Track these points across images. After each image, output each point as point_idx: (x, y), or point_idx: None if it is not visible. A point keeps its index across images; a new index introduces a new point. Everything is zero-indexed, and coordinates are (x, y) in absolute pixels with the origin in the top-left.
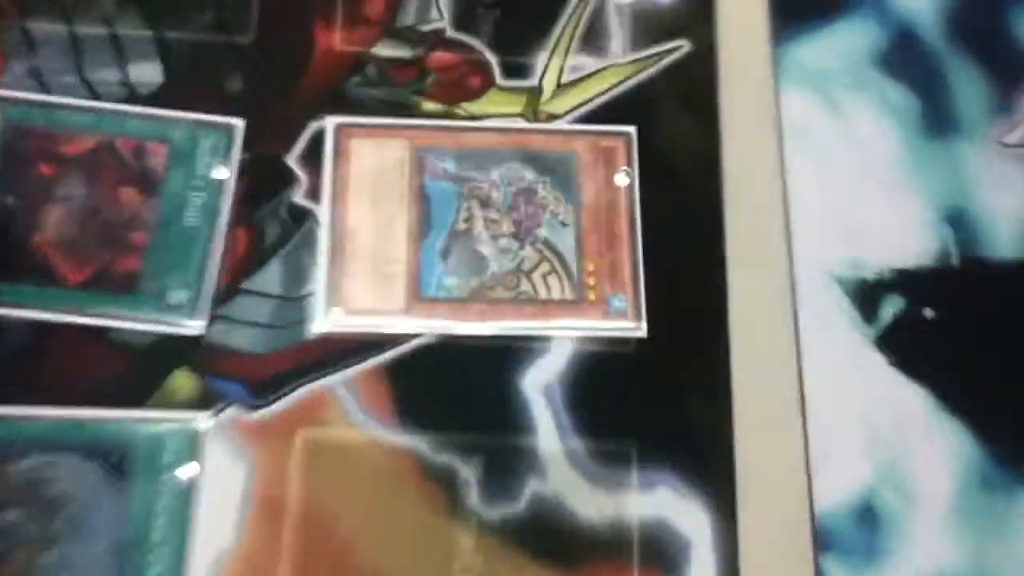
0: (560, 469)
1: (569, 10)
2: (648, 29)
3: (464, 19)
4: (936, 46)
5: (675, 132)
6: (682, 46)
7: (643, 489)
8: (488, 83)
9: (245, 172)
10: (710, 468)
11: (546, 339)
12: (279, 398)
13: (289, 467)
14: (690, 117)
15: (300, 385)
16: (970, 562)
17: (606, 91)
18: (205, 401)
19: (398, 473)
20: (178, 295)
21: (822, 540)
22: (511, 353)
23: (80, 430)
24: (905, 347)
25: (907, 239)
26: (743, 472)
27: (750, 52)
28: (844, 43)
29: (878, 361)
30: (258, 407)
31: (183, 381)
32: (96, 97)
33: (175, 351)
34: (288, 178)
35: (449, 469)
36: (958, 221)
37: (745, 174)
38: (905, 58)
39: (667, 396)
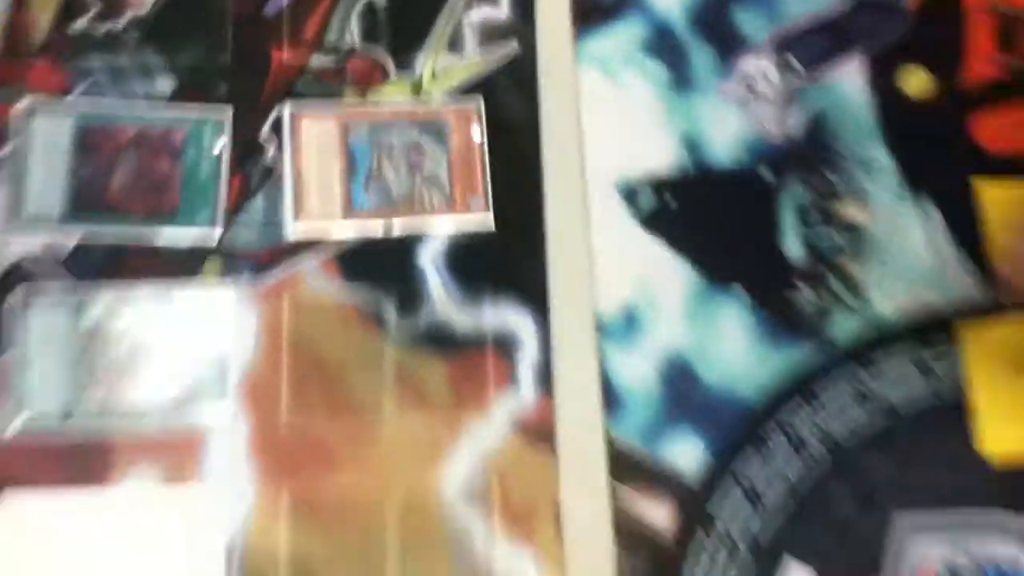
0: (444, 304)
1: (438, 26)
2: (490, 35)
3: (367, 35)
4: (682, 33)
5: (509, 101)
6: (513, 45)
7: (495, 311)
8: (386, 77)
9: (234, 145)
10: (536, 299)
11: (432, 231)
12: (271, 275)
13: (282, 316)
14: (518, 91)
15: (284, 267)
16: (692, 344)
17: (464, 78)
18: (225, 275)
19: (346, 315)
20: (202, 218)
21: (603, 333)
22: (412, 241)
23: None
24: (659, 226)
25: (660, 158)
26: (555, 298)
27: (558, 46)
28: (621, 36)
29: (641, 234)
30: (257, 281)
31: (212, 266)
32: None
33: (205, 250)
34: (262, 147)
35: (377, 310)
36: (693, 145)
37: (555, 126)
38: (661, 43)
39: (507, 262)
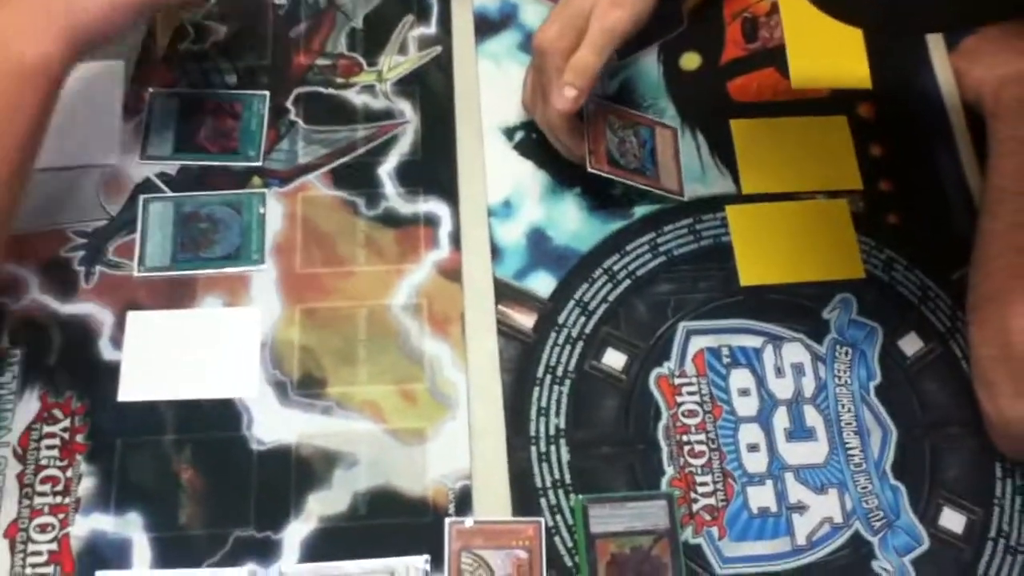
0: (394, 198)
1: (392, 39)
2: (424, 43)
3: (350, 45)
4: None
5: (436, 82)
6: (438, 48)
7: (425, 202)
8: (361, 70)
9: (270, 110)
10: (451, 194)
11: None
12: (290, 184)
13: (297, 207)
14: (442, 76)
15: (298, 179)
16: (546, 218)
17: (409, 69)
18: (264, 186)
19: (335, 205)
20: (251, 153)
21: (491, 214)
22: (375, 160)
23: (226, 196)
24: (525, 150)
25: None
26: (462, 193)
27: (466, 48)
28: (505, 40)
29: (515, 155)
30: (282, 188)
31: (257, 180)
32: (212, 88)
33: (252, 170)
34: (288, 111)
35: (354, 201)
36: None
37: (464, 95)
38: (529, 43)
39: (433, 173)
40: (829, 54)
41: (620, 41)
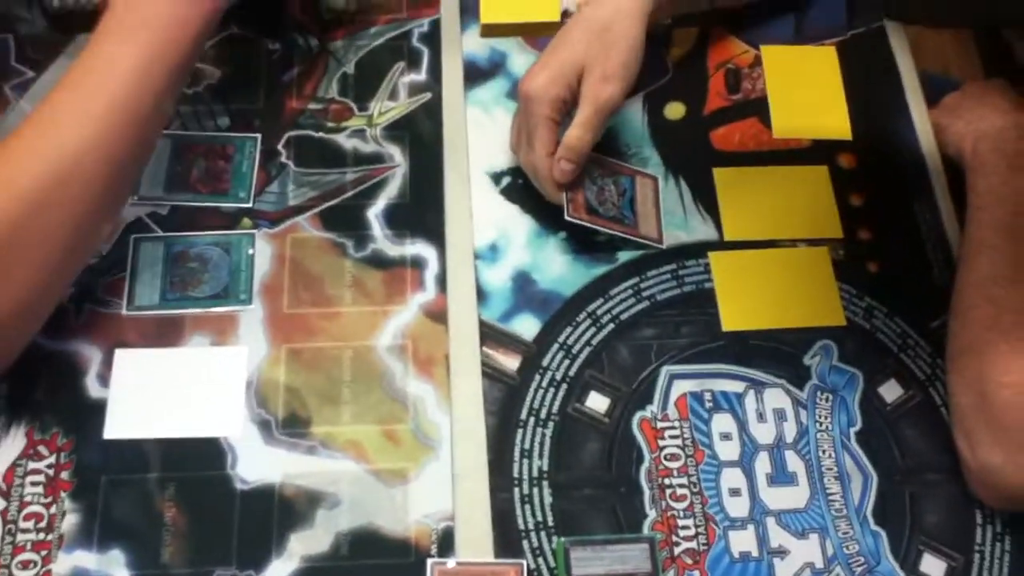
0: (382, 240)
1: (383, 85)
2: (414, 89)
3: (341, 91)
4: None
5: (424, 128)
6: (428, 95)
7: (412, 245)
8: (352, 114)
9: (262, 153)
10: (437, 238)
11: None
12: (279, 226)
13: (285, 248)
14: (431, 121)
15: (286, 221)
16: (531, 263)
17: (398, 115)
18: (253, 227)
19: (323, 246)
20: (242, 194)
21: (478, 257)
22: (364, 204)
23: (216, 236)
24: (511, 195)
25: (514, 159)
26: (449, 237)
27: (455, 95)
28: (493, 88)
29: (500, 200)
30: (272, 229)
31: (246, 222)
32: (205, 130)
33: (243, 211)
34: (279, 153)
35: (342, 243)
36: None
37: (452, 140)
38: (516, 91)
39: (420, 217)
40: (810, 106)
41: (613, 114)
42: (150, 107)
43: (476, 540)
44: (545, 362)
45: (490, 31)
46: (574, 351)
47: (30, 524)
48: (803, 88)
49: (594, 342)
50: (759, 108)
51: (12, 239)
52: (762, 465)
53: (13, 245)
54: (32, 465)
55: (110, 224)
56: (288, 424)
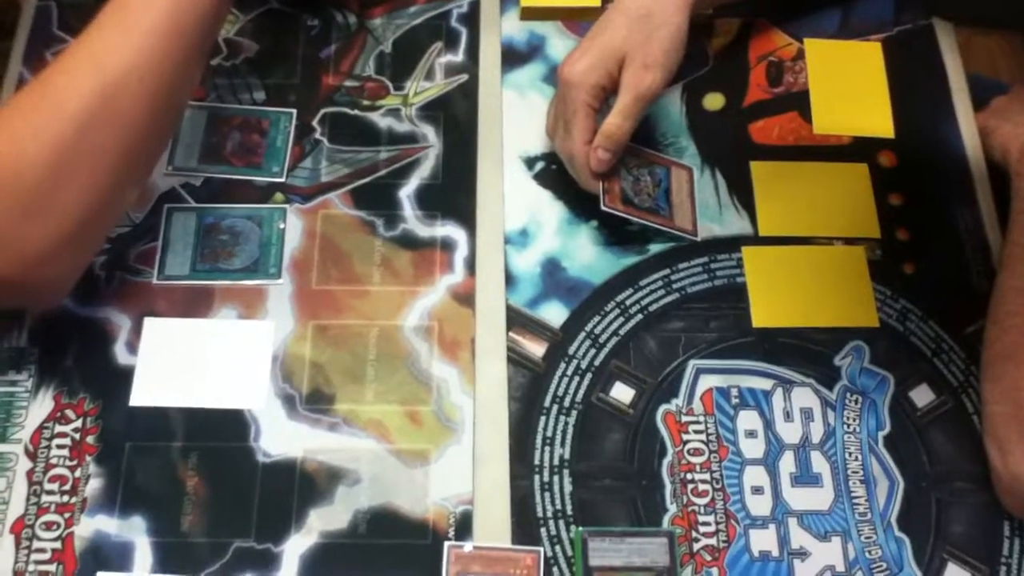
0: (413, 221)
1: (420, 65)
2: (451, 70)
3: (378, 69)
4: None
5: (460, 108)
6: (464, 76)
7: (443, 226)
8: (388, 93)
9: (297, 129)
10: (468, 220)
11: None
12: (311, 201)
13: (316, 224)
14: (466, 103)
15: (319, 197)
16: (561, 249)
17: (434, 95)
18: (285, 201)
19: (354, 224)
20: (275, 169)
21: (508, 242)
22: (395, 183)
23: (248, 209)
24: (544, 180)
25: (547, 143)
26: (480, 220)
27: (492, 77)
28: (530, 71)
29: (533, 184)
30: (304, 205)
31: (278, 196)
32: (241, 104)
33: (275, 186)
34: (313, 129)
35: (372, 222)
36: None
37: (487, 122)
38: (553, 75)
39: (453, 199)
40: (852, 102)
41: (653, 102)
42: (194, 31)
43: (494, 525)
44: (571, 350)
45: (530, 14)
46: (601, 340)
47: (55, 486)
48: (846, 83)
49: (621, 332)
50: (800, 102)
51: (61, 160)
52: (787, 465)
53: (63, 166)
54: (59, 428)
55: (155, 158)
56: (312, 400)
